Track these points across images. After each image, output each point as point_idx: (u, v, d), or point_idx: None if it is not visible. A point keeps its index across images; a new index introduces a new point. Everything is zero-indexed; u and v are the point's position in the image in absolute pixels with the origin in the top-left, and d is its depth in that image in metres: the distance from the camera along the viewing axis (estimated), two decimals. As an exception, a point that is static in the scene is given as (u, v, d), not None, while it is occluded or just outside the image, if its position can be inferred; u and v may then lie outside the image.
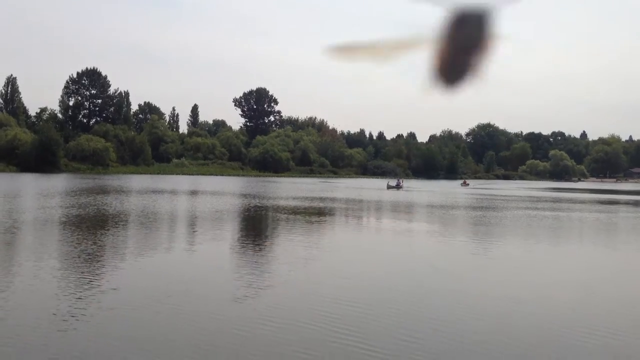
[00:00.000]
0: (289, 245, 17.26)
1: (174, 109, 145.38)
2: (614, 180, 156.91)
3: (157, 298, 10.21)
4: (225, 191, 50.06)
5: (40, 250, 15.06)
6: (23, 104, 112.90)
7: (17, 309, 9.23)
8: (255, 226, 24.19)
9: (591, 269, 15.52)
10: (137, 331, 8.29)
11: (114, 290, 10.67)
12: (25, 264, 12.96)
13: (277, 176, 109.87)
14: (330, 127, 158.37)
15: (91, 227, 20.32)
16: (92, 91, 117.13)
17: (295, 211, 30.13)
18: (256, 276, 12.37)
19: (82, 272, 12.28)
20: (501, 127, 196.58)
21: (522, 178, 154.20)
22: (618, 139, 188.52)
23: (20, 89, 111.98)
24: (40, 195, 36.69)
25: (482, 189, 74.94)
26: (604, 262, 17.08)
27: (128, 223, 22.58)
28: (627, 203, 49.28)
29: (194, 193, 46.47)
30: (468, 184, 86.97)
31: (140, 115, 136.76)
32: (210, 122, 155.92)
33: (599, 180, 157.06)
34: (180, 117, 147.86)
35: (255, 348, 7.68)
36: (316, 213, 29.72)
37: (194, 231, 21.40)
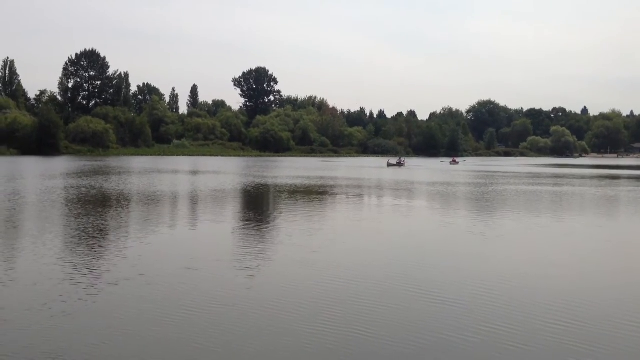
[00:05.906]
0: (300, 221, 17.42)
1: (173, 89, 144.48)
2: (615, 155, 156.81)
3: (173, 271, 10.36)
4: (228, 171, 50.15)
5: (47, 229, 15.21)
6: (22, 87, 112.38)
7: (26, 285, 9.39)
8: (261, 204, 24.35)
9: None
10: (154, 303, 8.45)
11: (137, 260, 10.83)
12: (31, 242, 13.13)
13: (278, 156, 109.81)
14: (331, 106, 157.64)
15: (99, 207, 20.45)
16: (91, 73, 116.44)
17: (304, 190, 30.29)
18: (267, 249, 12.55)
19: (90, 250, 12.43)
20: (502, 103, 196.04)
21: (523, 155, 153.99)
22: (619, 114, 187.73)
23: (18, 72, 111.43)
24: (43, 177, 36.79)
25: (475, 165, 74.56)
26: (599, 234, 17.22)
27: (139, 202, 22.73)
28: (629, 178, 49.36)
29: (196, 173, 46.59)
30: (457, 162, 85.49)
31: (140, 97, 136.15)
32: (210, 102, 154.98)
33: (600, 155, 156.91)
34: (179, 98, 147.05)
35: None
36: (320, 192, 29.89)
37: (207, 208, 21.53)
